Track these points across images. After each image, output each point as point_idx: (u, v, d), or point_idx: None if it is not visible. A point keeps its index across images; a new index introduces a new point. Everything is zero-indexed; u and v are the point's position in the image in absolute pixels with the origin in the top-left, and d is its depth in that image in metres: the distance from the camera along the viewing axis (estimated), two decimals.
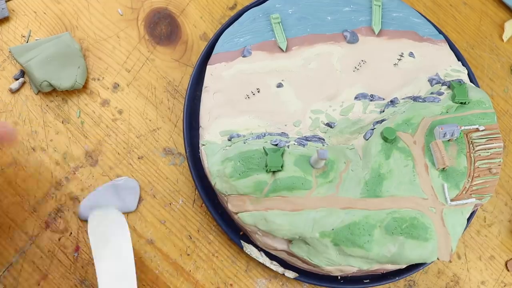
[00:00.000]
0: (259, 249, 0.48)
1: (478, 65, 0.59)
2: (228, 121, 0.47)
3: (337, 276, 0.47)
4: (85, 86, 0.52)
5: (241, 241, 0.47)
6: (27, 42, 0.51)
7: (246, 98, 0.48)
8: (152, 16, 0.55)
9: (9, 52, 0.50)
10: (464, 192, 0.45)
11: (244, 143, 0.45)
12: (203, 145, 0.46)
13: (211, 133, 0.47)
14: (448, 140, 0.46)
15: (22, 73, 0.51)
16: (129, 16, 0.55)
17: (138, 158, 0.51)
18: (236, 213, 0.44)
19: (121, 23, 0.54)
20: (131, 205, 0.48)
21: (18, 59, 0.49)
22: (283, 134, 0.46)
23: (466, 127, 0.47)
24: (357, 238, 0.42)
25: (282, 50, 0.50)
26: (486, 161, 0.46)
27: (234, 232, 0.48)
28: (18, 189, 0.48)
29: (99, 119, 0.51)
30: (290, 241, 0.44)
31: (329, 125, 0.48)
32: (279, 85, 0.49)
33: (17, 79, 0.50)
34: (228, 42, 0.50)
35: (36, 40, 0.51)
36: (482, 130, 0.47)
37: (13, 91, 0.50)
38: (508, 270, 0.53)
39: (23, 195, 0.48)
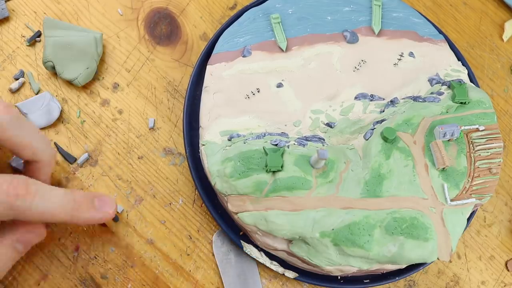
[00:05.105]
0: (259, 249, 0.48)
1: (478, 65, 0.59)
2: (228, 121, 0.47)
3: (337, 276, 0.47)
4: (85, 86, 0.52)
5: (241, 241, 0.47)
6: (29, 43, 0.51)
7: (246, 98, 0.48)
8: (152, 16, 0.55)
9: (43, 20, 0.50)
10: (464, 192, 0.45)
11: (244, 143, 0.45)
12: (203, 145, 0.46)
13: (211, 133, 0.46)
14: (448, 140, 0.46)
15: (22, 73, 0.51)
16: (129, 16, 0.55)
17: (138, 158, 0.51)
18: (236, 213, 0.44)
19: (121, 23, 0.54)
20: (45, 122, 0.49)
21: (44, 30, 0.49)
22: (283, 134, 0.46)
23: (466, 127, 0.47)
24: (357, 238, 0.42)
25: (282, 50, 0.50)
26: (486, 161, 0.46)
27: (234, 232, 0.48)
28: None
29: (99, 119, 0.51)
30: (290, 241, 0.44)
31: (329, 125, 0.48)
32: (279, 85, 0.49)
33: (17, 79, 0.50)
34: (228, 42, 0.50)
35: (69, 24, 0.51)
36: (482, 130, 0.47)
37: (13, 91, 0.50)
38: (508, 270, 0.53)
39: None
